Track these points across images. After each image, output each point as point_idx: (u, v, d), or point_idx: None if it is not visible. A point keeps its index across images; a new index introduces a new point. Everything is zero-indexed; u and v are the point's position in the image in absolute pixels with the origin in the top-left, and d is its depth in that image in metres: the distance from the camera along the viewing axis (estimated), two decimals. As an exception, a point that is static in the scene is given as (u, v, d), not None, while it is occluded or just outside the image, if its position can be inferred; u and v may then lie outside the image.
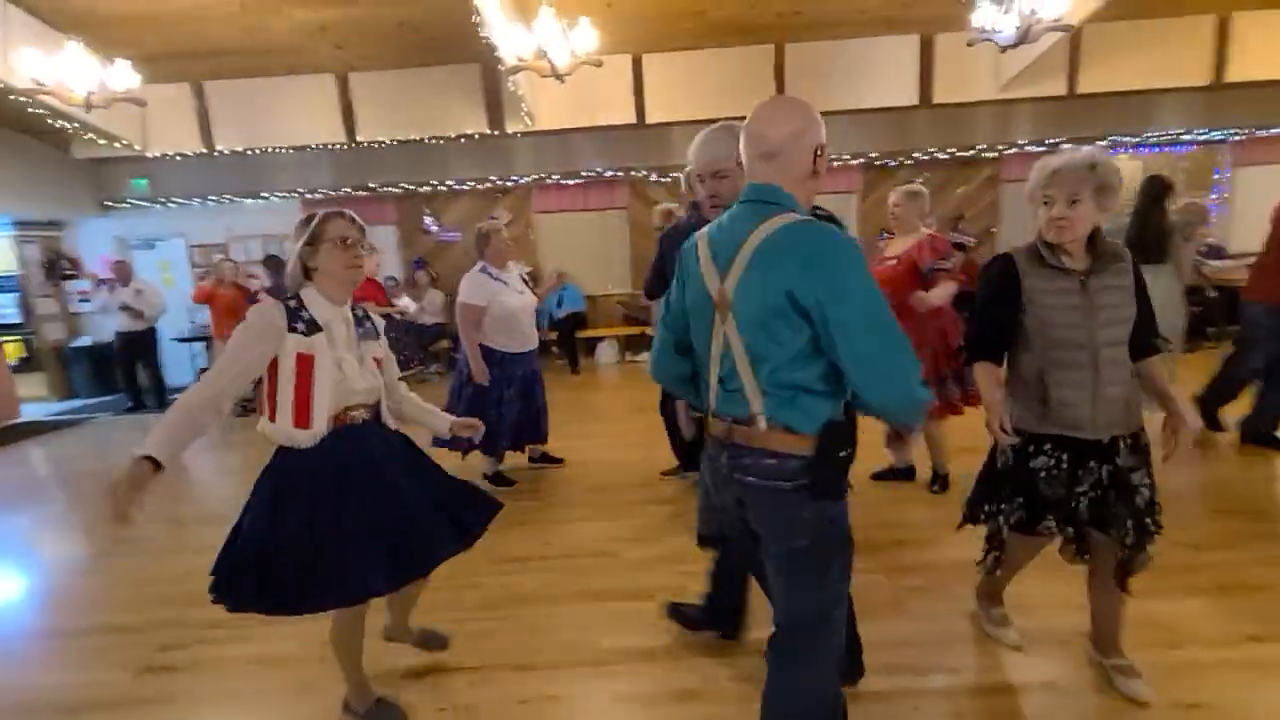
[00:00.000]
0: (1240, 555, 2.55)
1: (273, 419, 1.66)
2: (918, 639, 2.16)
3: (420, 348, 7.88)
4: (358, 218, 1.75)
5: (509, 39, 4.47)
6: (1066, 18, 4.56)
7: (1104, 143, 7.40)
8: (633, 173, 7.94)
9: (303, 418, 1.64)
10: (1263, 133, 7.56)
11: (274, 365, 1.64)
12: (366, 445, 1.74)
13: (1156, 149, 8.15)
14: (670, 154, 7.33)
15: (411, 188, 8.08)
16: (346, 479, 1.67)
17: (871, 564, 2.56)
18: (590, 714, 1.99)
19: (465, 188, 8.16)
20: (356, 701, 1.91)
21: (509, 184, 8.14)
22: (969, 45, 4.87)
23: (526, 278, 4.10)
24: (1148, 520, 1.70)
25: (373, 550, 1.64)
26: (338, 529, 1.62)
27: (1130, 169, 7.54)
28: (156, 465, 1.44)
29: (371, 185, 7.90)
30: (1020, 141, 7.47)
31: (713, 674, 2.05)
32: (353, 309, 1.79)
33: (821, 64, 6.69)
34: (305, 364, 1.62)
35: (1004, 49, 4.94)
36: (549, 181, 8.13)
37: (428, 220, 8.51)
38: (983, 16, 4.77)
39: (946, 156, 7.95)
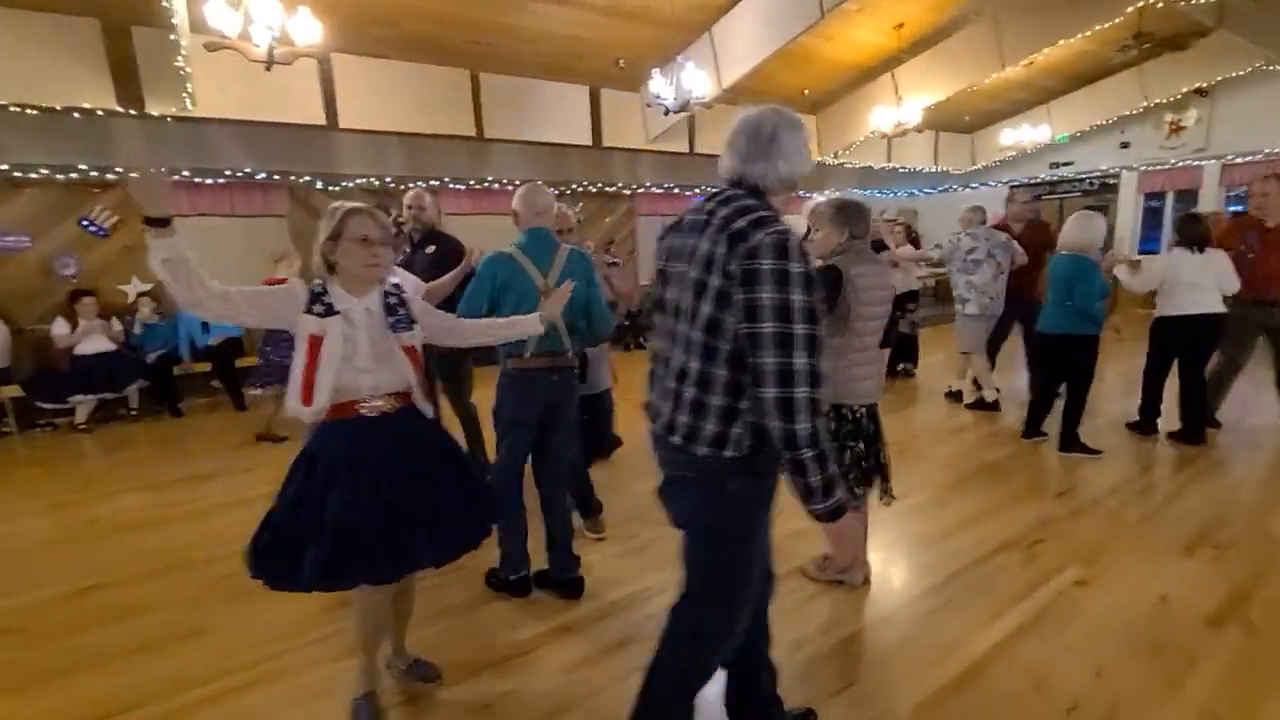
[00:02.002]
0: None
1: (289, 393, 1.73)
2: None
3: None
4: (380, 215, 1.69)
5: (217, 12, 3.70)
6: (708, 97, 6.12)
7: (697, 189, 9.85)
8: (293, 177, 7.02)
9: (306, 395, 1.70)
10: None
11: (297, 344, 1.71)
12: (384, 437, 1.76)
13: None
14: (349, 161, 6.79)
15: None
16: (355, 469, 1.71)
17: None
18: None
19: (35, 176, 5.88)
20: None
21: (110, 176, 6.12)
22: (648, 106, 6.04)
23: None
24: None
25: (366, 542, 1.66)
26: (339, 515, 1.66)
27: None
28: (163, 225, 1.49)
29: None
30: (647, 183, 9.38)
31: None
32: (387, 297, 1.77)
33: (516, 97, 7.20)
34: (314, 344, 1.69)
35: (668, 113, 6.29)
36: (180, 178, 6.51)
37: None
38: (655, 86, 6.01)
39: (595, 190, 9.40)
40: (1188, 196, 10.40)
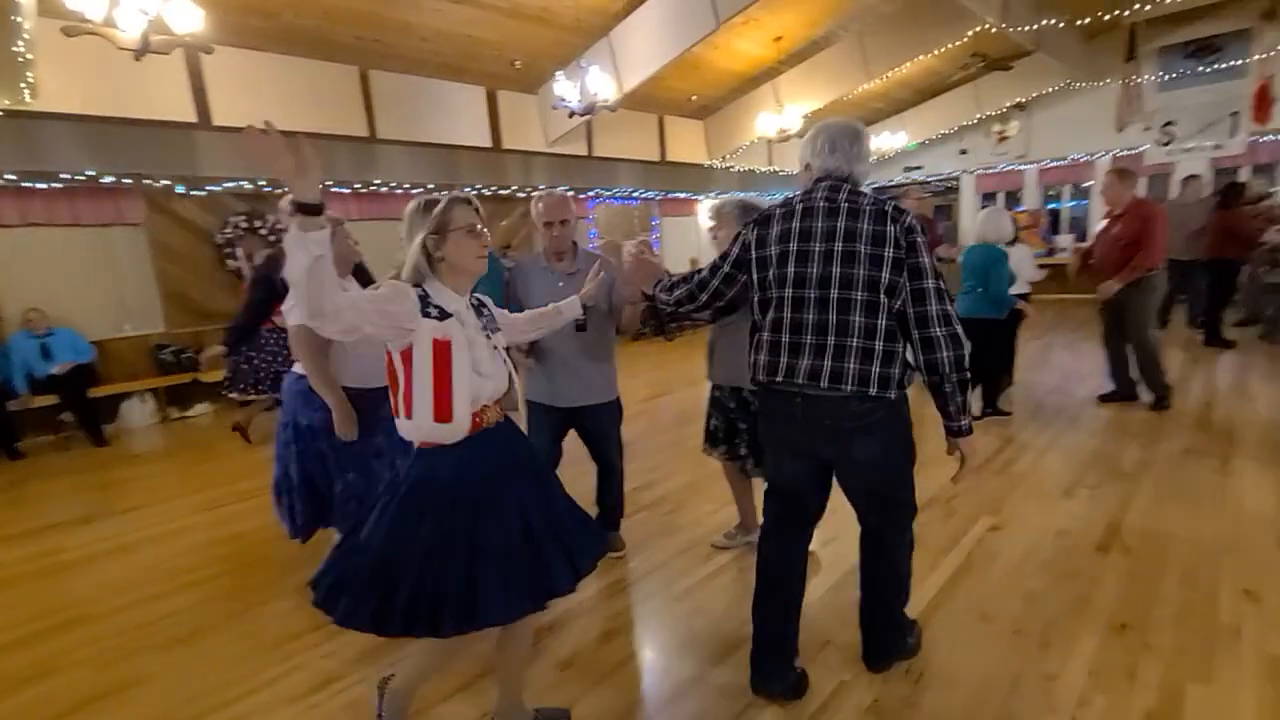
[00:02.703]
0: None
1: (409, 416, 1.51)
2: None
3: None
4: (476, 201, 1.58)
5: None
6: (612, 100, 6.24)
7: (592, 192, 9.97)
8: (149, 181, 6.26)
9: (444, 411, 1.49)
10: (678, 195, 11.57)
11: (407, 357, 1.49)
12: (505, 453, 1.61)
13: (620, 200, 11.43)
14: (218, 163, 6.17)
15: None
16: (485, 492, 1.53)
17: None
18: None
19: None
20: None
21: None
22: (553, 108, 6.05)
23: None
24: None
25: (502, 575, 1.48)
26: (472, 547, 1.47)
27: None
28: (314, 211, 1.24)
29: None
30: (542, 186, 9.36)
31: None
32: (471, 298, 1.65)
33: (410, 97, 6.89)
34: (443, 351, 1.49)
35: (572, 115, 6.33)
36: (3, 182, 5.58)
37: None
38: (560, 89, 6.03)
39: (490, 193, 9.23)
40: (1014, 196, 12.06)
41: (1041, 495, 3.34)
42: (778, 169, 12.00)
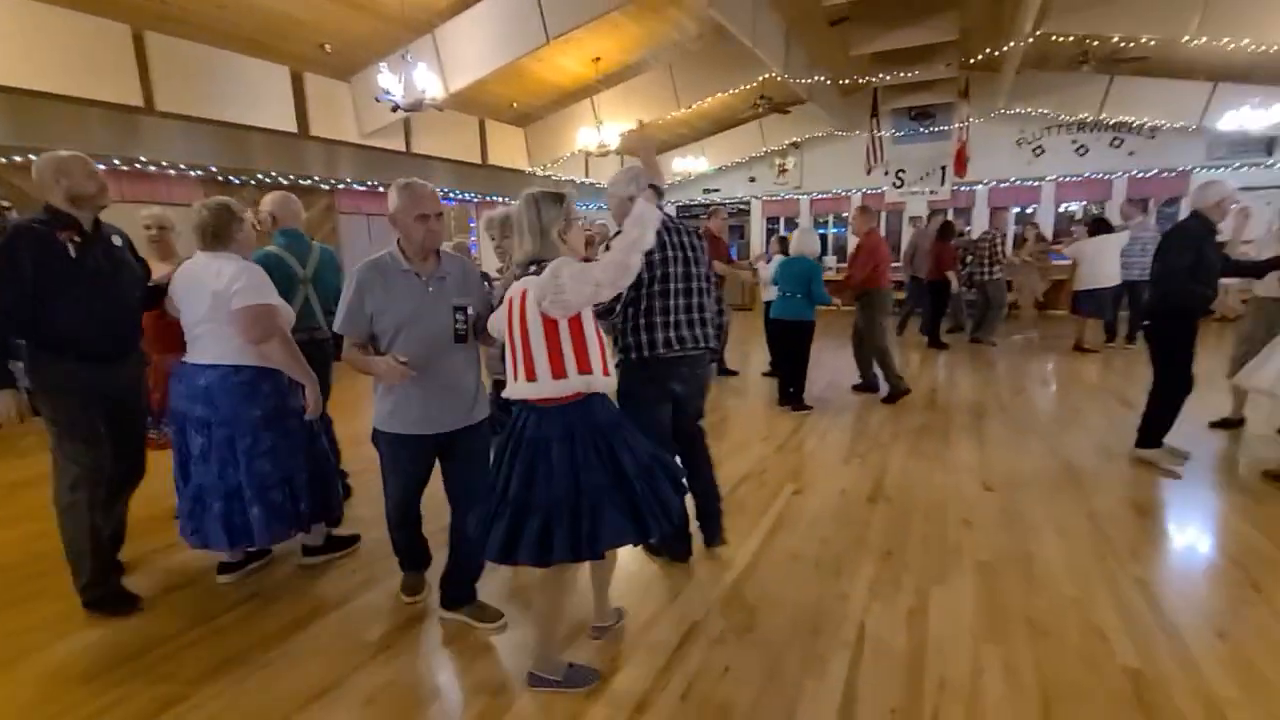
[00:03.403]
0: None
1: (585, 369, 1.83)
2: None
3: None
4: None
5: None
6: (440, 99, 6.17)
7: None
8: None
9: (605, 365, 1.89)
10: (498, 199, 11.54)
11: (577, 323, 1.83)
12: (606, 404, 1.94)
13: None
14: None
15: None
16: (603, 435, 1.86)
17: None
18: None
19: None
20: (546, 668, 2.02)
21: None
22: (376, 100, 5.81)
23: None
24: None
25: (622, 503, 1.81)
26: (597, 483, 1.80)
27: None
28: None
29: None
30: (348, 179, 8.80)
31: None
32: None
33: (195, 66, 6.06)
34: (578, 319, 1.85)
35: (395, 109, 6.12)
36: None
37: None
38: (384, 80, 5.81)
39: (288, 181, 8.42)
40: (792, 221, 14.05)
41: (828, 464, 4.11)
42: (594, 181, 12.57)
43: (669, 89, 9.09)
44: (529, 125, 10.39)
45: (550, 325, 1.80)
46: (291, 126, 7.17)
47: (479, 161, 9.93)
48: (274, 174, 7.73)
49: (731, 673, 2.10)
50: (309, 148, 7.82)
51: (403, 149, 8.59)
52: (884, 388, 5.74)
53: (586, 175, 12.38)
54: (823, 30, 8.21)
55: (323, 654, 2.26)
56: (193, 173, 7.18)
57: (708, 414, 3.16)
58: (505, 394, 1.96)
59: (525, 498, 1.81)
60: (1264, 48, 6.54)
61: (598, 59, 8.40)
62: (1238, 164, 10.50)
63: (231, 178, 7.59)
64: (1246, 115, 8.72)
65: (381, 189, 9.23)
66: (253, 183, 7.86)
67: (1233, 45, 6.53)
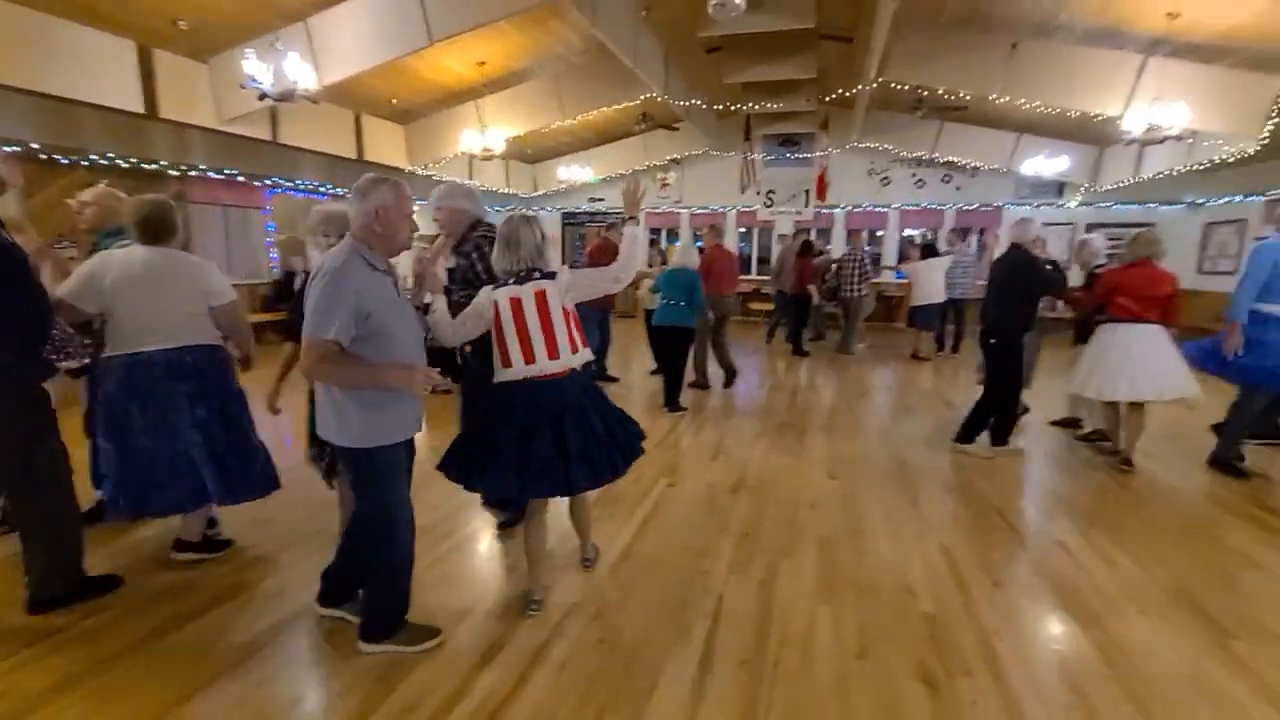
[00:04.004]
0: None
1: (582, 347, 2.47)
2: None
3: None
4: None
5: None
6: (314, 91, 5.93)
7: (269, 180, 9.00)
8: None
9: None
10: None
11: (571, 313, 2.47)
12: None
13: (304, 194, 10.46)
14: None
15: None
16: (588, 397, 2.53)
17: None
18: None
19: None
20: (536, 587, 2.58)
21: None
22: (241, 87, 5.48)
23: None
24: None
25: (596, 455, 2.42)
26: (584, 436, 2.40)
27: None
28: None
29: None
30: (203, 167, 8.12)
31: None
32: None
33: (17, 30, 5.36)
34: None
35: (263, 97, 5.80)
36: None
37: None
38: (251, 67, 5.50)
39: (129, 165, 7.61)
40: (674, 233, 14.70)
41: (698, 460, 4.47)
42: (482, 184, 12.43)
43: (555, 99, 9.25)
44: (409, 123, 10.09)
45: (568, 314, 2.41)
46: (137, 106, 6.50)
47: (354, 156, 9.51)
48: (111, 155, 6.98)
49: (605, 643, 2.32)
50: (157, 130, 7.13)
51: (268, 138, 8.04)
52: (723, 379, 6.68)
53: (470, 177, 12.21)
54: (700, 57, 8.77)
55: (190, 658, 2.20)
56: (6, 148, 6.31)
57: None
58: (513, 375, 2.36)
59: (549, 451, 2.34)
60: (1050, 109, 7.92)
61: (483, 63, 8.39)
62: (1037, 203, 12.45)
63: (58, 157, 6.76)
64: (1041, 163, 10.42)
65: (242, 179, 8.60)
66: (84, 164, 7.03)
67: (1026, 105, 7.85)
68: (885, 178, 13.31)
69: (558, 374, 2.36)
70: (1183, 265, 11.63)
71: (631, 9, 7.08)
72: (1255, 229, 9.39)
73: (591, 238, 7.22)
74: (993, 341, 4.45)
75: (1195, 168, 8.66)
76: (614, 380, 6.97)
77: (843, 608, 2.58)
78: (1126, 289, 4.20)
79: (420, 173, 10.54)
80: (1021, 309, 4.37)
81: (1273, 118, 6.61)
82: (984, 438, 4.59)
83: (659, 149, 13.12)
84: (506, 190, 13.57)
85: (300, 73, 5.62)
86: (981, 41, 7.35)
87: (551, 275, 2.40)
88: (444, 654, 2.25)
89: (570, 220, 15.36)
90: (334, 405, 2.04)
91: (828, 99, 9.93)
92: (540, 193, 14.54)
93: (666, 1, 7.11)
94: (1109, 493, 3.95)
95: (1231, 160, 7.96)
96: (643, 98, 9.08)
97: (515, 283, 2.36)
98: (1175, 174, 9.22)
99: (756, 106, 10.32)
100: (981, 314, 4.59)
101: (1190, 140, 8.01)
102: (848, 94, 9.31)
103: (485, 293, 2.40)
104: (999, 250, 4.74)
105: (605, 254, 6.64)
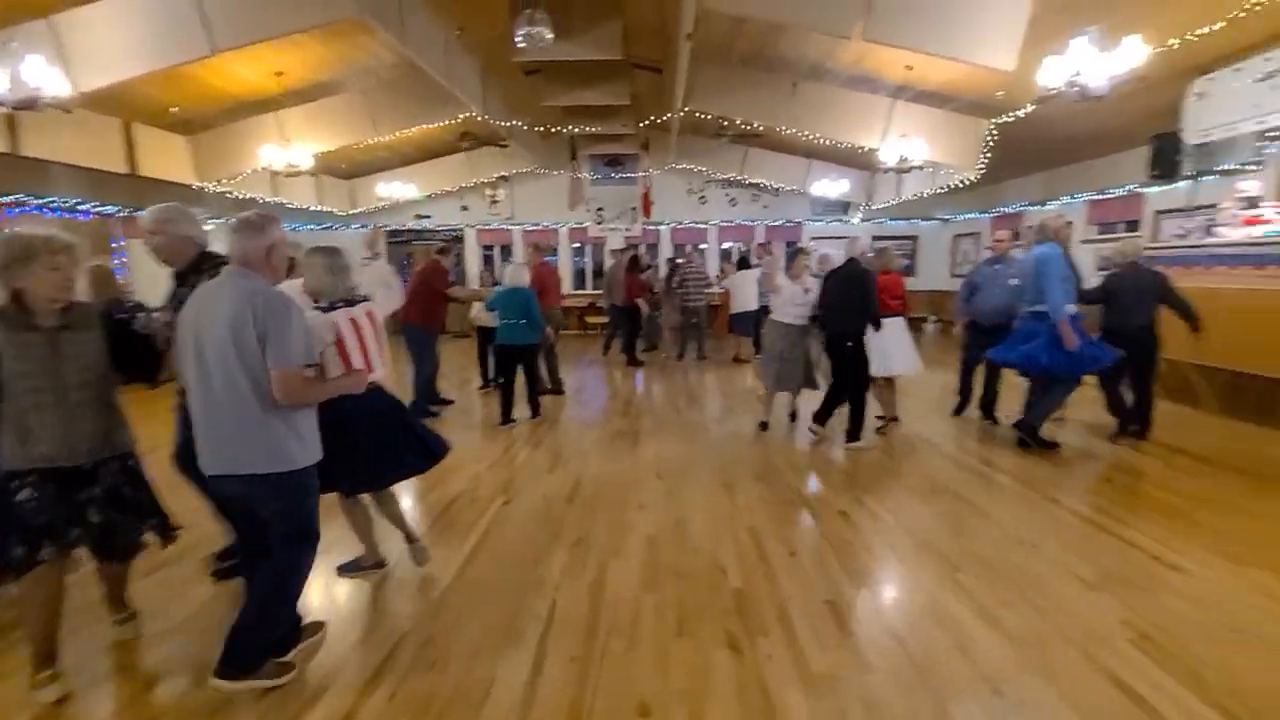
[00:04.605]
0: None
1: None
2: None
3: None
4: None
5: None
6: (66, 100, 5.17)
7: (11, 198, 7.60)
8: None
9: None
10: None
11: None
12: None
13: (59, 213, 8.91)
14: None
15: None
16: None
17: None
18: None
19: None
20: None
21: None
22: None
23: None
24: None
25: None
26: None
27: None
28: None
29: None
30: None
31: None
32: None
33: None
34: None
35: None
36: None
37: None
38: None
39: None
40: (508, 249, 14.66)
41: (536, 474, 4.58)
42: (285, 201, 11.44)
43: (366, 115, 8.84)
44: (196, 134, 9.02)
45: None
46: None
47: (124, 170, 8.30)
48: None
49: (436, 667, 2.35)
50: None
51: (5, 149, 6.76)
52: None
53: (275, 195, 11.19)
54: (519, 78, 8.92)
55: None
56: None
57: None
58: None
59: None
60: (827, 140, 9.20)
61: (280, 73, 7.80)
62: (829, 219, 14.28)
63: None
64: (827, 185, 11.99)
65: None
66: None
67: (808, 136, 9.04)
68: (703, 196, 14.42)
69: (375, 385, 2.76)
70: (940, 270, 14.05)
71: (443, 29, 7.04)
72: (986, 239, 11.59)
73: (420, 258, 7.01)
74: (849, 345, 4.91)
75: (940, 190, 10.52)
76: (449, 403, 6.81)
77: (664, 594, 2.85)
78: (884, 290, 5.13)
79: (212, 190, 9.47)
80: (866, 311, 4.95)
81: (985, 152, 8.29)
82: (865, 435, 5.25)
83: (487, 166, 13.03)
84: (319, 208, 12.62)
85: (46, 78, 4.86)
86: (768, 80, 8.34)
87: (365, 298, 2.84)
88: (269, 693, 2.14)
89: (395, 239, 14.68)
90: (269, 433, 2.07)
91: (644, 124, 10.57)
92: (360, 210, 13.73)
93: (479, 24, 7.17)
94: (881, 465, 4.72)
95: (963, 185, 9.81)
96: (463, 116, 9.02)
97: (345, 305, 2.69)
98: (926, 196, 11.12)
99: (578, 129, 10.69)
100: (822, 323, 5.14)
101: (932, 170, 9.73)
102: (661, 120, 10.02)
103: (321, 314, 2.63)
104: (814, 263, 5.43)
105: (437, 276, 6.51)
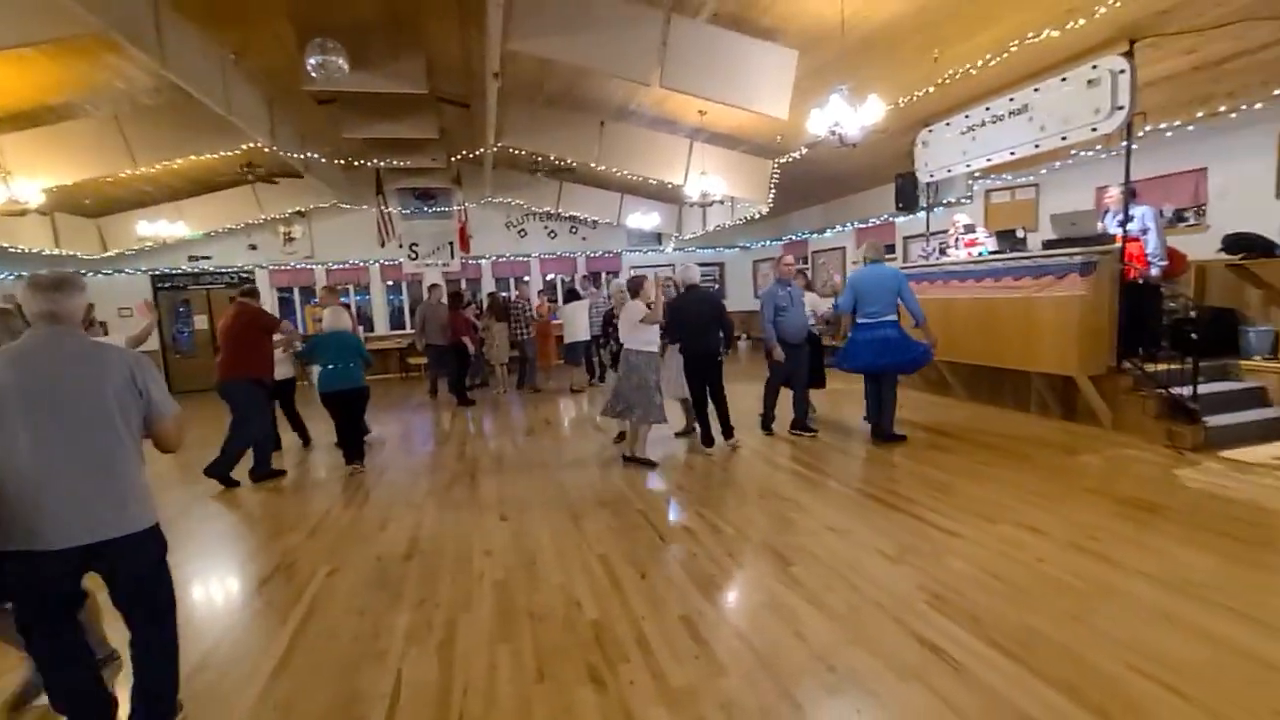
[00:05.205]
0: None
1: None
2: None
3: None
4: None
5: None
6: None
7: None
8: None
9: None
10: None
11: None
12: None
13: None
14: None
15: None
16: None
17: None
18: None
19: None
20: None
21: None
22: None
23: None
24: None
25: None
26: None
27: None
28: None
29: None
30: None
31: None
32: None
33: None
34: None
35: None
36: None
37: None
38: None
39: None
40: (309, 290, 13.34)
41: (364, 536, 4.18)
42: (14, 247, 9.33)
43: (119, 143, 7.56)
44: None
45: None
46: None
47: None
48: None
49: (263, 776, 2.03)
50: None
51: None
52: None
53: (-8, 238, 9.08)
54: (313, 109, 8.26)
55: None
56: None
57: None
58: None
59: None
60: (637, 176, 9.76)
61: (-12, 89, 6.41)
62: (645, 250, 15.08)
63: None
64: (640, 218, 12.68)
65: None
66: None
67: (619, 172, 9.53)
68: (522, 229, 14.43)
69: None
70: (745, 291, 15.49)
71: (215, 52, 6.32)
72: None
73: (225, 308, 6.20)
74: (720, 359, 5.76)
75: (739, 221, 11.65)
76: (282, 474, 5.88)
77: (520, 640, 2.75)
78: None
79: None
80: (722, 330, 5.76)
81: (772, 187, 9.37)
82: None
83: (278, 200, 11.82)
84: (58, 252, 10.48)
85: None
86: (577, 118, 8.66)
87: None
88: None
89: (165, 284, 12.66)
90: (140, 488, 2.08)
91: (455, 158, 10.36)
92: (113, 253, 11.65)
93: (258, 49, 6.55)
94: (712, 477, 5.04)
95: (758, 217, 10.97)
96: (246, 146, 8.11)
97: None
98: (727, 226, 12.24)
99: (384, 163, 10.15)
100: (682, 345, 5.74)
101: (731, 203, 10.77)
102: (474, 154, 9.89)
103: None
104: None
105: (262, 317, 5.72)
